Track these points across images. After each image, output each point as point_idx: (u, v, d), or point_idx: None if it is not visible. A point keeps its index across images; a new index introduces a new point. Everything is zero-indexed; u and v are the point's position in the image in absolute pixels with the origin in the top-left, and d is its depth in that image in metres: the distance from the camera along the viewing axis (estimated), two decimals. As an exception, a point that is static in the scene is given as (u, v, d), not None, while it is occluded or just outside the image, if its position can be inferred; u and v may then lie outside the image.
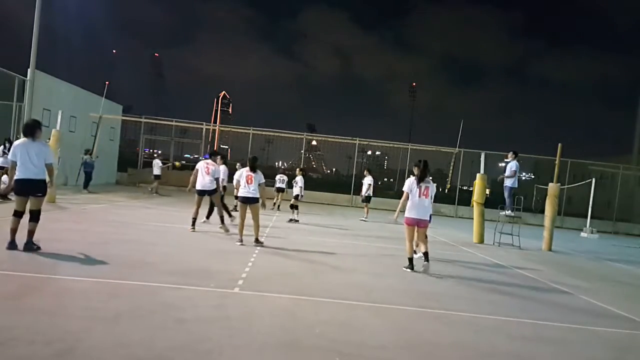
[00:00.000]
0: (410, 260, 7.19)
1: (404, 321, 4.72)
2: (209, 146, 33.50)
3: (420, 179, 7.18)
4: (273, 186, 16.40)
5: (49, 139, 13.07)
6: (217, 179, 9.57)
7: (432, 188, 9.11)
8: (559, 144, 12.64)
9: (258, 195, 8.23)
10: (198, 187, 9.45)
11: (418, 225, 7.19)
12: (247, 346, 3.59)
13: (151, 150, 37.58)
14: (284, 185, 16.73)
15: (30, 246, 6.09)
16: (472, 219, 12.81)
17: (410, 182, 7.25)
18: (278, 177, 16.90)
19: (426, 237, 7.32)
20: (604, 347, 4.55)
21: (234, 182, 8.36)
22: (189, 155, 27.86)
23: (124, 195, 17.09)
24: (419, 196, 7.13)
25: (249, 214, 8.24)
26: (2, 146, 14.00)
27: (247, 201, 8.19)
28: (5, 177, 11.89)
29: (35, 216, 6.25)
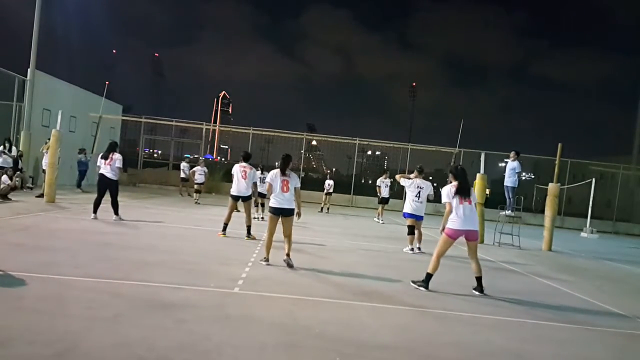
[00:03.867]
0: (429, 277, 6.02)
1: (404, 321, 4.72)
2: (208, 146, 33.49)
3: (460, 190, 6.09)
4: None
5: (49, 139, 13.09)
6: (254, 184, 9.32)
7: (427, 190, 9.21)
8: (559, 144, 12.66)
9: (293, 206, 6.79)
10: (233, 192, 9.03)
11: (467, 238, 6.11)
12: (247, 346, 3.58)
13: (151, 150, 37.55)
14: (331, 190, 18.78)
15: None
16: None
17: (447, 190, 6.15)
18: (327, 182, 18.68)
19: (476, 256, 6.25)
20: (604, 347, 4.55)
21: (266, 186, 6.94)
22: (188, 155, 27.82)
23: (123, 195, 17.07)
24: (460, 203, 6.03)
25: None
26: (1, 146, 14.02)
27: (281, 212, 6.70)
28: (5, 177, 11.90)
29: None
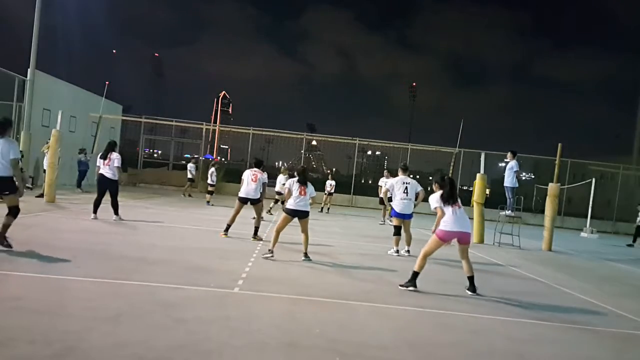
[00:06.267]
0: (415, 275, 5.98)
1: (404, 321, 4.72)
2: (208, 146, 33.47)
3: (448, 199, 6.10)
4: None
5: (50, 139, 13.09)
6: (264, 184, 9.39)
7: (414, 185, 9.07)
8: (559, 144, 12.66)
9: (308, 209, 7.46)
10: (241, 194, 9.09)
11: (460, 240, 6.04)
12: (247, 346, 3.58)
13: (151, 150, 37.56)
14: (333, 190, 19.11)
15: (1, 241, 5.95)
16: (472, 219, 12.81)
17: (436, 197, 6.19)
18: (329, 182, 19.03)
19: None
20: (604, 347, 4.55)
21: (285, 191, 7.56)
22: (188, 155, 27.83)
23: (123, 195, 17.06)
24: (451, 206, 6.07)
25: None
26: None
27: (296, 214, 7.33)
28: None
29: (12, 211, 6.09)
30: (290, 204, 7.37)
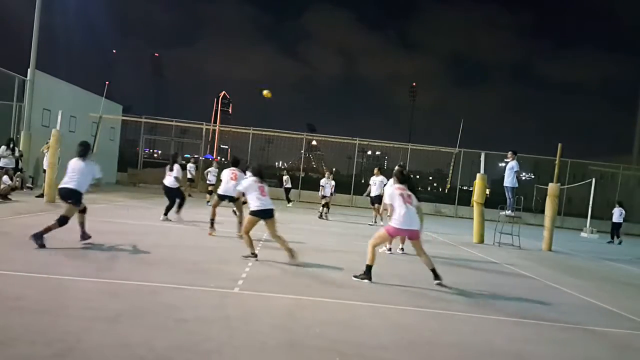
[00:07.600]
0: (369, 268, 6.21)
1: (404, 321, 4.72)
2: (208, 146, 33.48)
3: (401, 182, 6.49)
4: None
5: (49, 139, 13.09)
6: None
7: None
8: (559, 144, 12.66)
9: (274, 206, 7.05)
10: (220, 191, 9.36)
11: (409, 237, 6.44)
12: (247, 346, 3.59)
13: (151, 150, 37.58)
14: (333, 190, 18.82)
15: (40, 236, 6.28)
16: (472, 219, 12.81)
17: (390, 191, 6.48)
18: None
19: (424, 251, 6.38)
20: (604, 347, 4.55)
21: (236, 194, 7.31)
22: (188, 155, 27.92)
23: (123, 195, 17.09)
24: (403, 203, 6.27)
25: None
26: (5, 146, 13.98)
27: (264, 214, 6.85)
28: (5, 177, 11.91)
29: (61, 218, 6.54)
30: (255, 206, 6.82)
